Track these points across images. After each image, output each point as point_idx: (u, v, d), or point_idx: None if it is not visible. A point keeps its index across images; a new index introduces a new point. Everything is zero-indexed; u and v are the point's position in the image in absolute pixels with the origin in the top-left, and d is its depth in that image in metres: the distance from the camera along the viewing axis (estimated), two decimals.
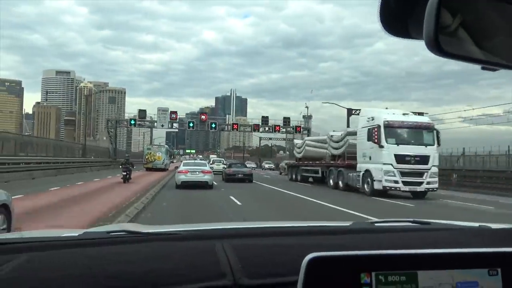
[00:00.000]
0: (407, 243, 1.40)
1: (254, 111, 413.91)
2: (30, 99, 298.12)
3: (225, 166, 34.84)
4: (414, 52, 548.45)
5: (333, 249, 1.21)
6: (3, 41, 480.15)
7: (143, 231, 1.63)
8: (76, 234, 1.57)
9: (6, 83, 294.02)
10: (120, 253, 1.22)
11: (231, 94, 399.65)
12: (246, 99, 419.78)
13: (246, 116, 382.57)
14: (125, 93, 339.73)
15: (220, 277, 1.04)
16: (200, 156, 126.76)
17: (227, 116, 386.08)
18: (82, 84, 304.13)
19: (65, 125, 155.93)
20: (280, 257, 1.17)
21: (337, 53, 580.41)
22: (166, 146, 59.21)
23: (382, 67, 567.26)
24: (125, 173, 22.70)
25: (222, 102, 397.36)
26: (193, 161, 29.70)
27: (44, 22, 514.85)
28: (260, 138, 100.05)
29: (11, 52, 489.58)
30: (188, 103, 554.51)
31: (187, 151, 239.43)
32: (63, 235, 1.58)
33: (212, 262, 1.12)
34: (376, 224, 1.80)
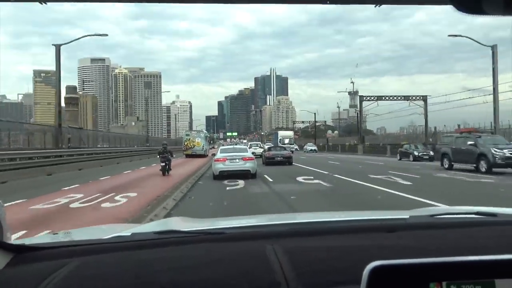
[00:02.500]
0: (473, 241, 1.33)
1: (293, 92, 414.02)
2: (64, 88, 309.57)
3: (264, 150, 36.39)
4: (458, 20, 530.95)
5: (395, 251, 1.22)
6: (47, 38, 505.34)
7: (190, 229, 1.65)
8: (124, 235, 1.64)
9: (42, 74, 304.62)
10: (170, 257, 1.25)
11: (271, 73, 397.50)
12: (286, 78, 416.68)
13: (287, 95, 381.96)
14: (160, 77, 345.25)
15: (274, 286, 1.03)
16: (244, 141, 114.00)
17: (268, 96, 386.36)
18: (117, 70, 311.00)
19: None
20: (337, 262, 1.14)
21: (375, 27, 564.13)
22: (205, 131, 60.60)
23: (424, 38, 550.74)
24: (163, 164, 20.77)
25: (262, 83, 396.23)
26: (231, 146, 27.47)
27: (83, 17, 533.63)
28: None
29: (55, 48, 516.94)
30: (226, 88, 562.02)
31: (228, 134, 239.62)
32: (112, 236, 1.62)
33: (264, 268, 1.11)
34: (435, 217, 1.75)
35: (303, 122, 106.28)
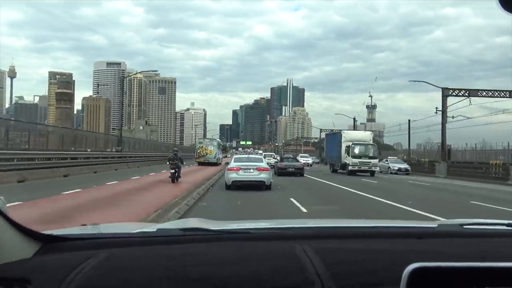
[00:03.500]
0: (505, 251, 1.33)
1: (308, 105, 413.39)
2: (86, 95, 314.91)
3: (277, 160, 37.03)
4: (477, 38, 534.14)
5: (426, 256, 1.20)
6: (68, 43, 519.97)
7: (215, 228, 1.68)
8: (150, 230, 1.68)
9: (57, 76, 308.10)
10: (198, 253, 1.26)
11: (287, 84, 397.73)
12: (303, 89, 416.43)
13: (303, 106, 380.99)
14: (175, 83, 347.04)
15: (308, 285, 1.03)
16: (260, 151, 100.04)
17: (283, 107, 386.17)
18: (132, 75, 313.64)
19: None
20: (370, 264, 1.15)
21: (393, 43, 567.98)
22: (218, 139, 61.15)
23: (442, 55, 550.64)
24: (173, 171, 20.43)
25: (278, 93, 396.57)
26: (246, 155, 27.12)
27: (104, 24, 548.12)
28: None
29: (75, 53, 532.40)
30: (242, 98, 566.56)
31: (242, 142, 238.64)
32: (139, 231, 1.67)
33: (296, 267, 1.11)
34: (465, 227, 1.76)
35: (332, 130, 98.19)
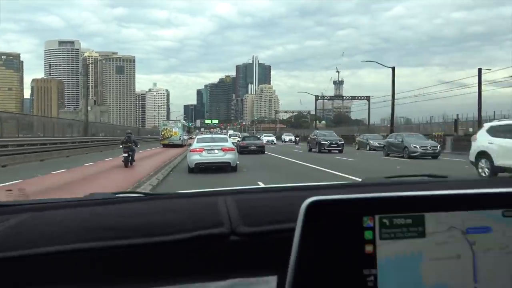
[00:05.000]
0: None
1: (273, 83, 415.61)
2: (37, 77, 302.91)
3: (239, 139, 39.68)
4: (435, 14, 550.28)
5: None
6: (21, 24, 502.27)
7: (147, 191, 1.77)
8: (82, 197, 1.72)
9: (3, 57, 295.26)
10: (126, 208, 1.31)
11: (253, 61, 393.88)
12: (269, 66, 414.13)
13: (270, 83, 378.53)
14: (134, 61, 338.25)
15: (217, 225, 1.11)
16: (231, 131, 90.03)
17: (250, 85, 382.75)
18: (86, 54, 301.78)
19: None
20: (280, 205, 1.23)
21: (355, 20, 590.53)
22: (183, 121, 62.84)
23: (402, 32, 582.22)
24: (126, 154, 20.19)
25: (244, 71, 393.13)
26: (210, 135, 26.86)
27: (58, 4, 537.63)
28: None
29: (30, 35, 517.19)
30: (206, 78, 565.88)
31: (207, 121, 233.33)
32: (70, 198, 1.68)
33: (211, 213, 1.20)
34: (390, 179, 1.85)
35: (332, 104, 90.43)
